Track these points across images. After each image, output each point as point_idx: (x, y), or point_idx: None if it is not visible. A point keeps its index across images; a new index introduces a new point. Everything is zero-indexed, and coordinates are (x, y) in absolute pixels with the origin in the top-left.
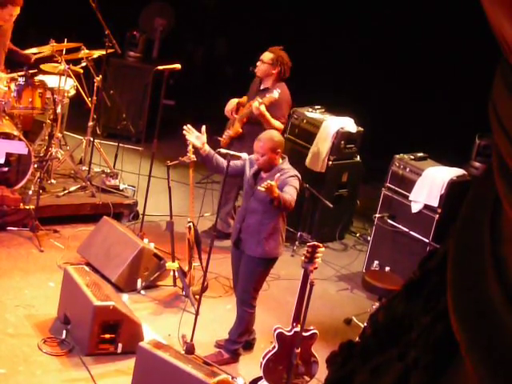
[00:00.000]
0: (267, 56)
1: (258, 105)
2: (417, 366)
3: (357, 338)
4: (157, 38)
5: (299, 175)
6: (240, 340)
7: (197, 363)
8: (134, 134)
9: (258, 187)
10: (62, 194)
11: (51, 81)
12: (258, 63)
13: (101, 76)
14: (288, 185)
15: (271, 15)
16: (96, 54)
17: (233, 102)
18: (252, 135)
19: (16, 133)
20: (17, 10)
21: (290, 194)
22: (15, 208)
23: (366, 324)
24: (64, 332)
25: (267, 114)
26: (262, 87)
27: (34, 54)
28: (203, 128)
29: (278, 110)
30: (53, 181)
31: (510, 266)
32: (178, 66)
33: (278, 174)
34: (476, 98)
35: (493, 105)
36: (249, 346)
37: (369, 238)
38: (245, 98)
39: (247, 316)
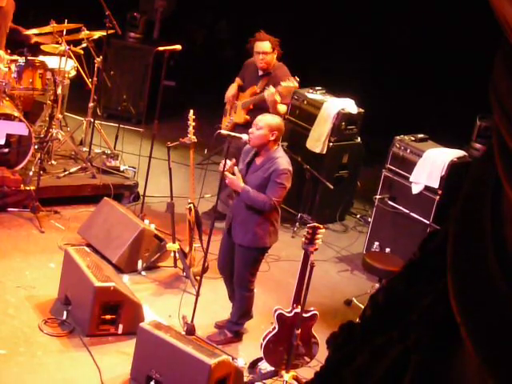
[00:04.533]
0: (267, 46)
1: (274, 92)
2: (417, 348)
3: (357, 319)
4: (157, 19)
5: (291, 168)
6: (241, 321)
7: (197, 344)
8: (134, 115)
9: (225, 173)
10: (63, 175)
11: (52, 62)
12: (261, 57)
13: (101, 57)
14: (274, 182)
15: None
16: (96, 34)
17: (234, 87)
18: None
19: (16, 114)
20: None
21: (271, 194)
22: (16, 189)
23: (366, 305)
24: (65, 313)
25: (279, 102)
26: (261, 72)
27: (35, 34)
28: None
29: (287, 95)
30: (53, 162)
31: (510, 248)
32: (178, 46)
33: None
34: (477, 79)
35: (493, 86)
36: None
37: (369, 220)
38: (237, 81)
39: (246, 299)
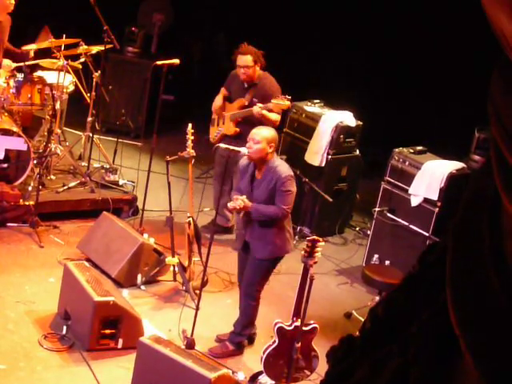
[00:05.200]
0: (248, 59)
1: (259, 110)
2: (417, 361)
3: (357, 332)
4: (155, 34)
5: (292, 173)
6: (244, 332)
7: (197, 358)
8: (133, 129)
9: (228, 205)
10: (62, 189)
11: (50, 77)
12: (243, 70)
13: (100, 71)
14: (280, 191)
15: (269, 10)
16: (95, 49)
17: (220, 99)
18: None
19: (15, 129)
20: None
21: (281, 203)
22: (15, 204)
23: (365, 318)
24: (64, 327)
25: (267, 115)
26: (247, 84)
27: (34, 50)
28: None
29: (277, 111)
30: (52, 177)
31: (509, 261)
32: (176, 61)
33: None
34: (475, 91)
35: (491, 99)
36: (249, 340)
37: (368, 232)
38: (223, 91)
39: (251, 309)
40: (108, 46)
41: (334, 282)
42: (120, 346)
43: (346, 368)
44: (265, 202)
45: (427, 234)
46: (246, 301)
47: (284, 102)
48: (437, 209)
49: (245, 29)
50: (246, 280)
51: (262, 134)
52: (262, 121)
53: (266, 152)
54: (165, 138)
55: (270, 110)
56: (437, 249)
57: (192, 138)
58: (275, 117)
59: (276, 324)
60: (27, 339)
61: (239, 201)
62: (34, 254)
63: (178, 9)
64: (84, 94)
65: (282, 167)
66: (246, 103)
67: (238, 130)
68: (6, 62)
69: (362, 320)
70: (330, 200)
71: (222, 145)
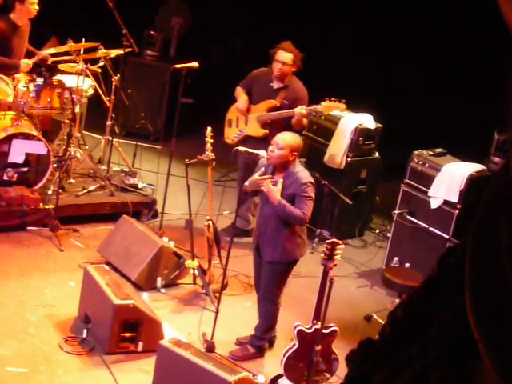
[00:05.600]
0: (288, 57)
1: (303, 112)
2: (436, 364)
3: (377, 336)
4: (174, 37)
5: (312, 179)
6: (265, 336)
7: (217, 361)
8: (152, 132)
9: (265, 181)
10: (82, 193)
11: (69, 80)
12: (280, 66)
13: (119, 75)
14: (300, 196)
15: (287, 13)
16: (114, 53)
17: (245, 100)
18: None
19: (35, 133)
20: None
21: (302, 209)
22: (35, 208)
23: (385, 321)
24: (85, 331)
25: (304, 120)
26: (277, 86)
27: (52, 54)
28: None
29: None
30: (72, 180)
31: None
32: (195, 64)
33: (281, 180)
34: (495, 93)
35: (508, 102)
36: (269, 343)
37: (388, 235)
38: (243, 91)
39: (270, 313)
40: (127, 50)
41: (353, 284)
42: (140, 349)
43: (365, 371)
44: None
45: (447, 237)
46: (265, 306)
47: (338, 104)
48: (457, 211)
49: (264, 32)
50: (263, 285)
51: (287, 141)
52: (295, 124)
53: (287, 159)
54: (184, 142)
55: (316, 113)
56: (456, 251)
57: (211, 141)
58: (305, 122)
59: (296, 327)
60: (48, 343)
61: (269, 181)
62: (54, 258)
63: (197, 12)
64: (103, 97)
65: (303, 173)
66: (278, 105)
67: (266, 131)
68: (25, 60)
69: (382, 323)
70: (350, 202)
71: (241, 148)
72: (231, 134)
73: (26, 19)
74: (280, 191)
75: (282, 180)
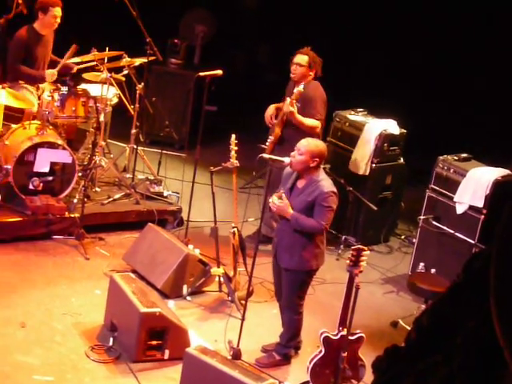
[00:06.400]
0: (303, 59)
1: (288, 103)
2: (462, 371)
3: (403, 342)
4: (198, 45)
5: (335, 189)
6: (289, 344)
7: (244, 368)
8: (176, 140)
9: (270, 203)
10: (107, 201)
11: (94, 89)
12: (294, 67)
13: (143, 83)
14: (320, 206)
15: (312, 22)
16: (138, 61)
17: (271, 107)
18: (291, 141)
19: (60, 142)
20: (58, 11)
21: (320, 219)
22: (60, 216)
23: (410, 328)
24: (111, 339)
25: (296, 114)
26: (295, 89)
27: (76, 63)
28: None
29: (312, 108)
30: (97, 189)
31: None
32: (219, 72)
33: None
34: None
35: None
36: (295, 349)
37: (414, 240)
38: (282, 104)
39: (294, 322)
40: (151, 58)
41: (379, 290)
42: (166, 357)
43: (391, 378)
44: (299, 212)
45: (473, 242)
46: (288, 315)
47: (299, 87)
48: (482, 216)
49: (288, 40)
50: (285, 295)
51: (308, 147)
52: (293, 120)
53: (308, 165)
54: (208, 149)
55: (295, 103)
56: (482, 256)
57: (236, 148)
58: (310, 122)
59: (322, 333)
60: (74, 351)
61: (277, 201)
62: (80, 266)
63: (221, 20)
64: (128, 106)
65: (326, 182)
66: (289, 103)
67: (279, 132)
68: (50, 71)
69: (409, 329)
70: (375, 208)
71: (265, 155)
72: (266, 144)
73: (49, 30)
74: (289, 205)
75: (284, 194)
